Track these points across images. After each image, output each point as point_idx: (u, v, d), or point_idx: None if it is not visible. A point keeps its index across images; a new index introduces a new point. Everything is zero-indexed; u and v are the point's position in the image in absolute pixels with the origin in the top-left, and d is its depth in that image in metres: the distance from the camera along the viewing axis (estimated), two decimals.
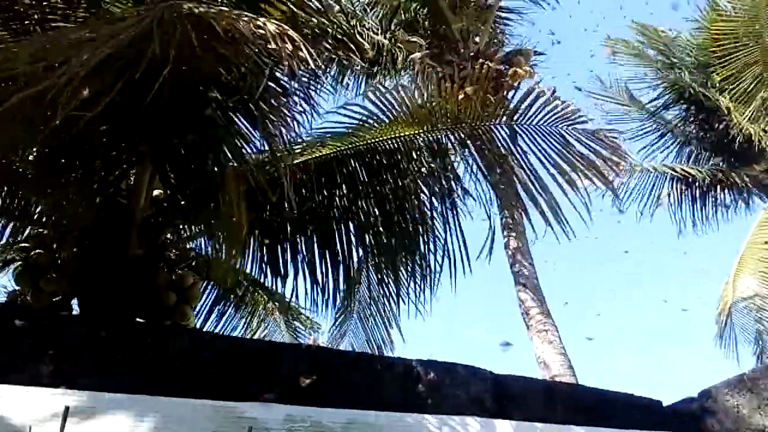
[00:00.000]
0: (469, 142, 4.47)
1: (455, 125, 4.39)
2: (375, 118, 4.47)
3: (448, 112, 4.36)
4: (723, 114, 9.19)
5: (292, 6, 3.74)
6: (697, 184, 9.67)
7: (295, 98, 3.76)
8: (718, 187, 9.61)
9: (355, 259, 4.59)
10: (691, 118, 10.11)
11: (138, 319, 3.76)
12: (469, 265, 4.36)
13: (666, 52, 10.01)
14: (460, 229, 4.43)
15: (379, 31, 8.42)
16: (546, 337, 7.78)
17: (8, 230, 4.37)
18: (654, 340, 18.88)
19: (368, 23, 8.13)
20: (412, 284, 4.56)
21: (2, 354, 2.56)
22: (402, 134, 4.45)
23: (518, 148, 4.31)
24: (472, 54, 8.87)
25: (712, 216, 9.75)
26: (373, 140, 4.48)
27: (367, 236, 4.58)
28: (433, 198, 4.55)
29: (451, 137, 4.50)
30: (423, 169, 4.58)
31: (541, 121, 4.18)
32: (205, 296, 5.30)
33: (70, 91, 2.55)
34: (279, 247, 4.55)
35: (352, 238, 4.54)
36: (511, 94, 5.46)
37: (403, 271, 4.62)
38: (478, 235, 4.53)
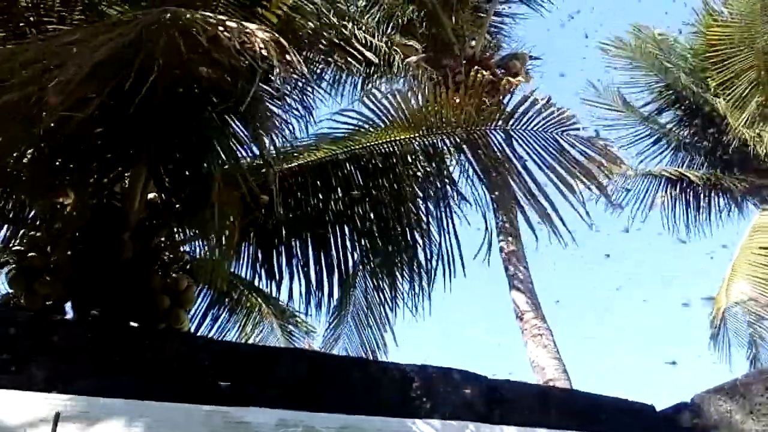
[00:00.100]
0: (464, 146, 4.48)
1: (451, 129, 4.39)
2: (371, 122, 4.47)
3: (443, 116, 4.36)
4: (718, 119, 9.22)
5: (288, 10, 3.74)
6: (691, 188, 9.70)
7: (289, 102, 3.76)
8: (712, 191, 9.63)
9: (350, 262, 4.59)
10: (686, 123, 10.14)
11: (132, 323, 3.75)
12: (464, 268, 4.38)
13: (662, 55, 10.03)
14: (455, 233, 4.44)
15: (376, 35, 8.42)
16: (540, 341, 7.80)
17: (2, 233, 4.36)
18: (654, 340, 18.92)
19: (365, 26, 8.13)
20: (407, 287, 4.56)
21: None
22: (397, 138, 4.46)
23: (514, 152, 4.33)
24: (467, 58, 8.89)
25: (705, 220, 9.80)
26: (368, 144, 4.49)
27: (362, 240, 4.58)
28: (428, 201, 4.56)
29: (447, 141, 4.51)
30: (418, 173, 4.59)
31: (537, 126, 4.19)
32: (199, 300, 5.29)
33: (65, 93, 2.55)
34: (274, 250, 4.55)
35: (348, 242, 4.54)
36: (507, 98, 5.46)
37: (398, 275, 4.62)
38: (474, 238, 4.54)
